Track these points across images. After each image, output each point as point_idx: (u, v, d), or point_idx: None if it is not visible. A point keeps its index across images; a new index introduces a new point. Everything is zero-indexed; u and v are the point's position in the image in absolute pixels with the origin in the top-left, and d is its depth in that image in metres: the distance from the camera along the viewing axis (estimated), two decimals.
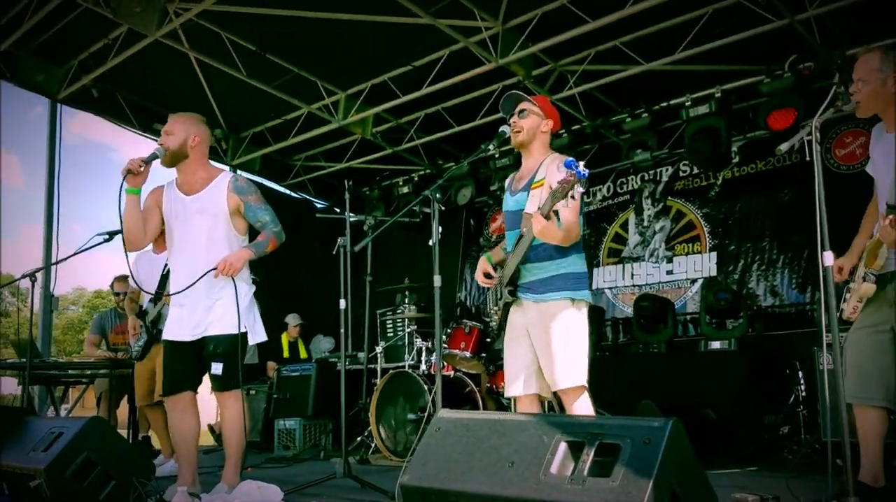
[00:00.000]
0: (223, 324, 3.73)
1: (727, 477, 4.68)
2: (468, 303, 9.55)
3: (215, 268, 3.69)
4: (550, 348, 3.23)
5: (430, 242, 3.59)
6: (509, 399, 5.55)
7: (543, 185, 3.25)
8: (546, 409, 4.02)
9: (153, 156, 3.76)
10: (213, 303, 3.75)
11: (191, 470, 3.83)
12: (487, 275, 3.52)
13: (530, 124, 3.46)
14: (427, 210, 4.07)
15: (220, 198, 3.82)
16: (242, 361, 3.75)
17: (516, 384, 3.40)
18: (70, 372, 6.35)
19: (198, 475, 3.88)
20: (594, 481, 2.00)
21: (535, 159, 3.46)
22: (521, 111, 3.49)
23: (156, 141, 3.91)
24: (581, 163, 2.80)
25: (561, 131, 7.65)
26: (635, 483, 1.92)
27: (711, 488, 2.17)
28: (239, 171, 9.27)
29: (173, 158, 3.82)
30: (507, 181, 3.65)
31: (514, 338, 3.43)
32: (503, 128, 3.62)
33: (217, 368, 3.72)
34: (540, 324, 3.28)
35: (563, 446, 2.14)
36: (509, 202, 3.49)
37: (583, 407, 3.26)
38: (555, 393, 3.38)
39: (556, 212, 2.97)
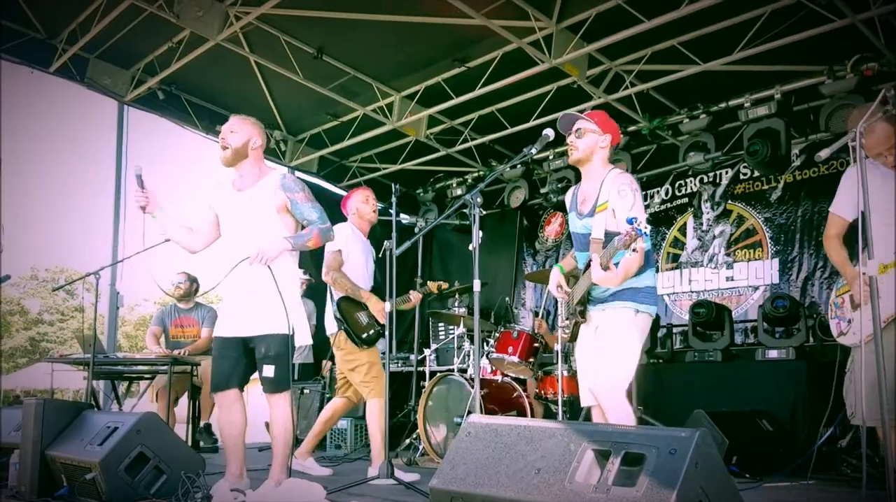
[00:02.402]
0: (271, 323, 3.75)
1: (781, 489, 4.57)
2: (526, 306, 9.52)
3: (248, 258, 3.70)
4: (602, 349, 3.37)
5: (470, 247, 3.61)
6: (557, 404, 5.58)
7: (607, 209, 3.35)
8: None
9: (138, 179, 3.85)
10: (258, 300, 3.78)
11: (238, 464, 3.92)
12: (559, 287, 3.63)
13: (587, 143, 3.53)
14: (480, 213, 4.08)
15: (268, 195, 3.89)
16: (291, 361, 3.82)
17: (586, 394, 3.53)
18: (132, 367, 6.58)
19: (245, 470, 3.97)
20: (618, 490, 1.99)
21: (596, 177, 3.52)
22: (578, 130, 3.53)
23: (218, 142, 4.03)
24: (643, 221, 2.91)
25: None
26: (659, 493, 1.90)
27: (741, 500, 2.13)
28: (297, 173, 9.47)
29: (236, 156, 3.94)
30: (570, 198, 3.72)
31: (583, 351, 3.57)
32: (546, 131, 3.64)
33: (269, 371, 3.78)
34: (602, 327, 3.43)
35: (589, 454, 2.13)
36: (577, 224, 3.58)
37: (617, 407, 3.31)
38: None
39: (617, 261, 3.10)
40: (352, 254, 5.01)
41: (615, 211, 3.30)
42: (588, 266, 3.40)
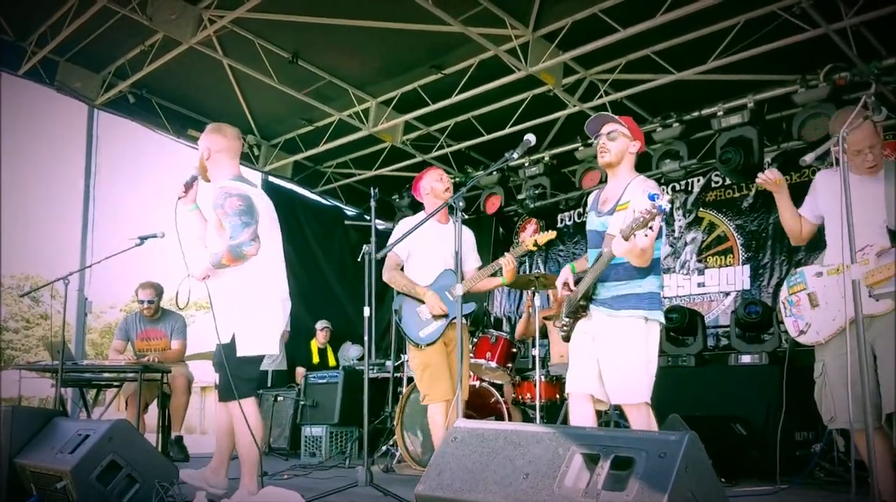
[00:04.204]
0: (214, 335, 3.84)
1: (756, 494, 4.59)
2: (498, 312, 9.54)
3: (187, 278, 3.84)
4: (616, 362, 3.32)
5: (454, 251, 3.59)
6: (535, 410, 5.56)
7: (627, 209, 3.33)
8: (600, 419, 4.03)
9: (193, 178, 3.96)
10: (209, 314, 3.83)
11: (220, 462, 3.99)
12: (566, 284, 3.57)
13: (619, 147, 3.52)
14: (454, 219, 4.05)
15: (209, 212, 3.95)
16: (231, 370, 3.79)
17: (573, 380, 3.49)
18: (101, 375, 6.44)
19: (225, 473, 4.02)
20: (608, 495, 1.98)
21: (621, 181, 3.52)
22: (611, 132, 3.51)
23: (190, 146, 4.07)
24: (665, 198, 2.89)
25: (590, 141, 7.59)
26: (650, 497, 1.89)
27: None
28: (271, 178, 9.41)
29: (203, 173, 4.00)
30: (592, 198, 3.72)
31: (579, 343, 3.51)
32: (528, 136, 3.64)
33: (216, 378, 3.87)
34: (610, 337, 3.36)
35: (578, 458, 2.12)
36: (594, 222, 3.56)
37: (641, 422, 3.31)
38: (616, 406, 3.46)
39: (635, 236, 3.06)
40: (417, 247, 4.69)
41: (636, 211, 3.27)
42: (596, 260, 3.39)
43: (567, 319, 3.52)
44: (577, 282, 3.50)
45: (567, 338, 3.57)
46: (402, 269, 4.76)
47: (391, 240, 4.50)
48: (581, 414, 3.43)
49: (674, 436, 2.00)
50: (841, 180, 2.55)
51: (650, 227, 2.93)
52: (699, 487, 1.98)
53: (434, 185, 4.84)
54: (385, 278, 4.74)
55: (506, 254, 4.60)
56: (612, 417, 5.44)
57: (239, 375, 3.81)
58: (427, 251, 4.71)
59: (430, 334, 4.64)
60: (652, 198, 2.88)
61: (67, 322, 5.76)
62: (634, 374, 3.27)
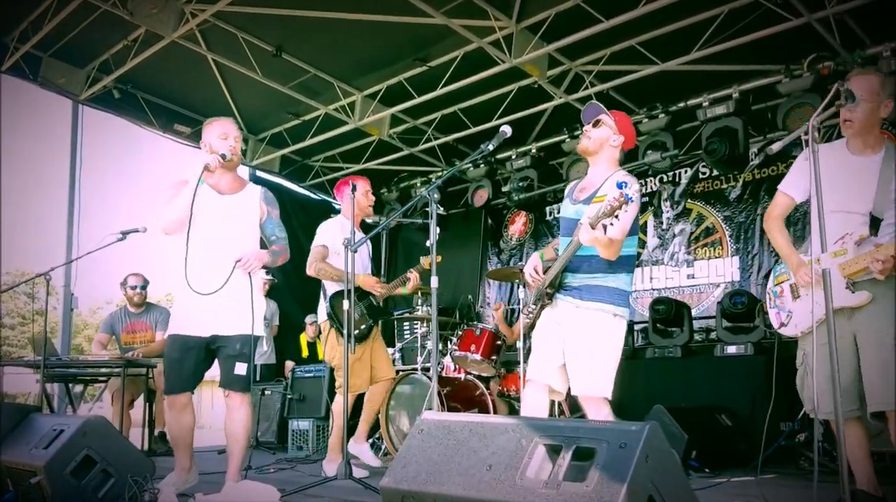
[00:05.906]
0: (242, 324, 3.74)
1: (741, 484, 4.59)
2: (491, 304, 9.51)
3: (238, 261, 3.72)
4: (582, 355, 3.29)
5: (427, 243, 3.57)
6: (520, 402, 5.54)
7: (604, 202, 3.28)
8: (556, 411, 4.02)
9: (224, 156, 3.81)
10: (229, 301, 3.71)
11: (188, 459, 3.96)
12: (535, 271, 3.54)
13: (599, 135, 3.49)
14: (441, 211, 4.03)
15: (254, 205, 3.93)
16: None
17: (534, 368, 3.46)
18: (85, 370, 6.42)
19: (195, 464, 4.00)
20: (569, 485, 1.96)
21: (602, 172, 3.48)
22: (597, 121, 3.50)
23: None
24: (633, 188, 2.89)
25: (577, 133, 7.56)
26: (609, 488, 1.87)
27: (693, 494, 2.11)
28: (259, 172, 9.37)
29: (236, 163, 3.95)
30: (569, 188, 3.70)
31: (544, 331, 3.48)
32: (504, 127, 3.63)
33: (242, 369, 3.76)
34: (577, 328, 3.33)
35: (540, 449, 2.10)
36: (569, 210, 3.54)
37: (597, 417, 3.30)
38: (569, 397, 3.43)
39: (604, 226, 3.04)
40: (340, 248, 4.75)
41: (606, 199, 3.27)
42: (566, 248, 3.36)
43: (533, 306, 3.50)
44: (545, 271, 3.48)
45: (532, 326, 3.55)
46: None
47: (317, 241, 4.99)
48: (535, 403, 3.43)
49: (635, 426, 1.98)
50: (811, 170, 2.52)
51: (616, 216, 2.91)
52: (661, 477, 1.96)
53: (359, 199, 5.04)
54: (311, 271, 5.00)
55: (411, 270, 5.12)
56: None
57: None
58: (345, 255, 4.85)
59: (363, 331, 5.01)
60: (620, 185, 2.86)
61: (55, 317, 5.75)
62: (598, 368, 3.25)
